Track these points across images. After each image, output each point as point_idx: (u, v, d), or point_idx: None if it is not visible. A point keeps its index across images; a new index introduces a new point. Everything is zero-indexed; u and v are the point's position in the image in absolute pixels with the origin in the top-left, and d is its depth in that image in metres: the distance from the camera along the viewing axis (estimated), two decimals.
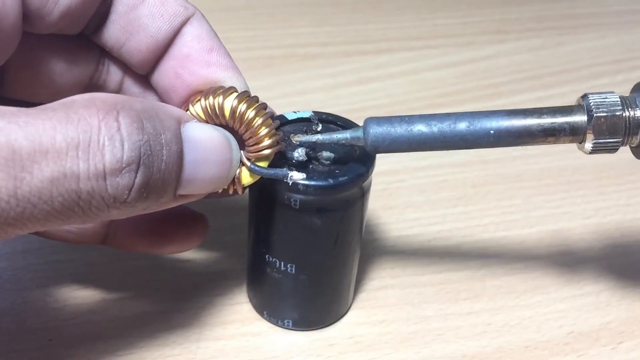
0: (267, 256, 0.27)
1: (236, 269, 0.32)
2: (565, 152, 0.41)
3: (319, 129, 0.26)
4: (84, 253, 0.32)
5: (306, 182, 0.24)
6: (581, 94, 0.23)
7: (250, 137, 0.23)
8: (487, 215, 0.37)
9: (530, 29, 0.57)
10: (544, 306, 0.31)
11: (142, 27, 0.24)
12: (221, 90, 0.23)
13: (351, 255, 0.28)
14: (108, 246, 0.28)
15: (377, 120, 0.23)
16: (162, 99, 0.25)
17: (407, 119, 0.23)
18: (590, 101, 0.23)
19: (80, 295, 0.30)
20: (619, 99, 0.23)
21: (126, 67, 0.26)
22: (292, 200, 0.25)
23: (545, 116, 0.23)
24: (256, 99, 0.23)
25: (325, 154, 0.25)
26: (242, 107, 0.23)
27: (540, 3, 0.62)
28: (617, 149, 0.23)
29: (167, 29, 0.24)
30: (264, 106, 0.23)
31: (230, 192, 0.24)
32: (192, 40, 0.24)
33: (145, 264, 0.32)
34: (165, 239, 0.28)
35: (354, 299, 0.31)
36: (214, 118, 0.23)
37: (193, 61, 0.24)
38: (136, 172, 0.19)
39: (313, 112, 0.27)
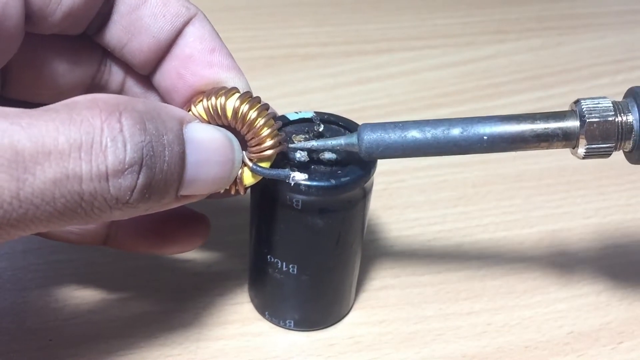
0: (268, 257, 0.27)
1: (237, 269, 0.32)
2: (565, 152, 0.40)
3: (320, 129, 0.26)
4: (84, 253, 0.32)
5: (308, 183, 0.24)
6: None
7: (252, 138, 0.23)
8: (487, 215, 0.37)
9: (530, 29, 0.57)
10: (544, 306, 0.31)
11: (144, 27, 0.24)
12: (223, 91, 0.23)
13: (353, 256, 0.28)
14: (109, 247, 0.28)
15: (371, 126, 0.23)
16: (164, 99, 0.25)
17: (400, 125, 0.23)
18: (582, 106, 0.23)
19: (80, 295, 0.30)
20: (611, 105, 0.23)
21: (128, 68, 0.26)
22: (294, 200, 0.25)
23: (538, 122, 0.23)
24: (258, 99, 0.23)
25: (327, 154, 0.25)
26: (245, 107, 0.23)
27: (540, 3, 0.62)
28: (610, 154, 0.23)
29: (169, 29, 0.24)
30: (266, 107, 0.23)
31: (232, 192, 0.24)
32: (194, 41, 0.24)
33: (145, 264, 0.32)
34: (167, 239, 0.28)
35: (355, 299, 0.31)
36: (216, 119, 0.23)
37: (195, 62, 0.24)
38: (138, 173, 0.19)
39: (315, 112, 0.27)
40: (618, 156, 0.24)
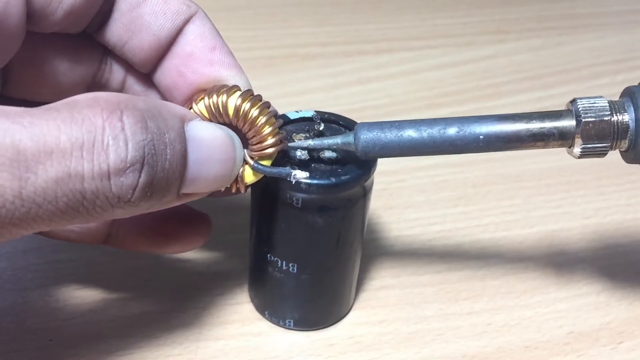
0: (269, 255, 0.27)
1: (237, 269, 0.32)
2: (565, 152, 0.40)
3: (321, 128, 0.26)
4: (84, 253, 0.32)
5: (309, 181, 0.24)
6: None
7: (253, 136, 0.23)
8: (487, 215, 0.37)
9: (530, 29, 0.57)
10: (544, 306, 0.31)
11: (144, 25, 0.24)
12: (225, 89, 0.23)
13: (353, 255, 0.28)
14: (110, 246, 0.28)
15: (367, 125, 0.24)
16: (164, 97, 0.25)
17: (397, 124, 0.23)
18: (578, 106, 0.23)
19: (81, 295, 0.30)
20: (607, 104, 0.23)
21: (129, 66, 0.26)
22: (294, 199, 0.25)
23: (534, 121, 0.23)
24: (259, 97, 0.23)
25: (328, 153, 0.25)
26: (246, 105, 0.23)
27: (540, 3, 0.62)
28: (606, 153, 0.23)
29: (170, 27, 0.24)
30: (267, 105, 0.23)
31: (233, 190, 0.24)
32: (194, 39, 0.24)
33: (145, 264, 0.32)
34: (168, 238, 0.28)
35: (355, 299, 0.31)
36: (217, 116, 0.23)
37: (196, 60, 0.24)
38: (140, 172, 0.19)
39: (315, 111, 0.27)
40: (618, 156, 0.24)
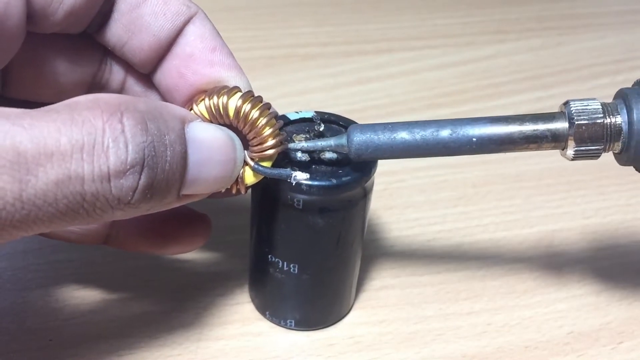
0: (269, 256, 0.27)
1: (238, 269, 0.32)
2: None
3: (321, 129, 0.26)
4: (84, 253, 0.32)
5: (309, 182, 0.24)
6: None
7: (254, 137, 0.23)
8: (487, 215, 0.37)
9: (530, 29, 0.57)
10: (544, 306, 0.31)
11: (144, 25, 0.24)
12: (225, 90, 0.23)
13: (353, 256, 0.28)
14: (110, 246, 0.28)
15: (360, 127, 0.24)
16: (164, 98, 0.25)
17: (390, 126, 0.23)
18: (571, 108, 0.23)
19: (81, 295, 0.30)
20: (600, 106, 0.23)
21: (129, 66, 0.26)
22: (295, 200, 0.25)
23: (527, 123, 0.23)
24: (260, 98, 0.23)
25: (328, 154, 0.25)
26: (247, 106, 0.23)
27: (540, 3, 0.62)
28: (599, 156, 0.23)
29: (170, 27, 0.24)
30: (267, 106, 0.23)
31: (234, 191, 0.24)
32: (195, 40, 0.24)
33: (145, 264, 0.32)
34: (168, 239, 0.28)
35: (355, 299, 0.31)
36: (218, 118, 0.23)
37: (196, 60, 0.24)
38: (140, 174, 0.19)
39: (315, 112, 0.27)
40: None
